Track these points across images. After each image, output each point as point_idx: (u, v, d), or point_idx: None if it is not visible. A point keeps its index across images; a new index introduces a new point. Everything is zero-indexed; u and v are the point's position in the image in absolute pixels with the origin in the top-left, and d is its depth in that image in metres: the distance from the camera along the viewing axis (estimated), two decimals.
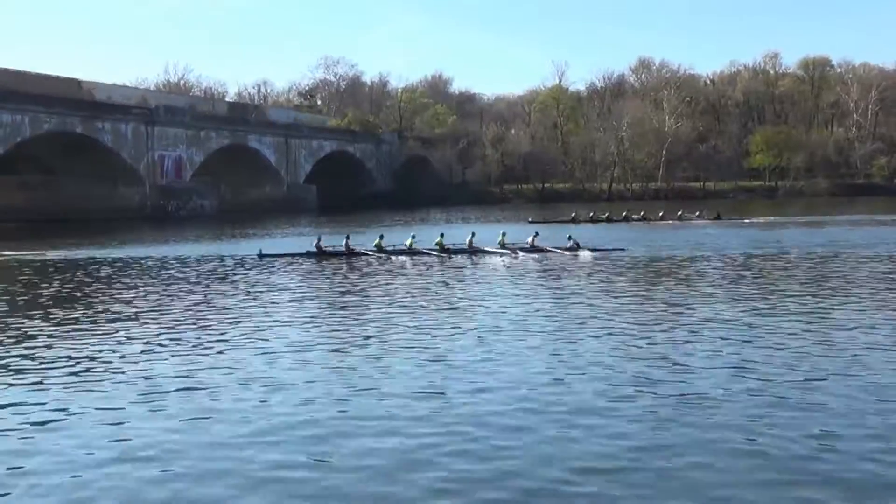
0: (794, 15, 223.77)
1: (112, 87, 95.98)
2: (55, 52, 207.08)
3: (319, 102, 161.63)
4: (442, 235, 37.28)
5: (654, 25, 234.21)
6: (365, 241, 38.11)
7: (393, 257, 34.55)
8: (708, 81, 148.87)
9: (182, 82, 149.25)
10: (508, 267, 31.07)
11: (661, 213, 63.03)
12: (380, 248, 35.44)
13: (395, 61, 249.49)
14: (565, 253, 34.67)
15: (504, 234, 37.28)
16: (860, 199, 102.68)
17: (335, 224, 66.37)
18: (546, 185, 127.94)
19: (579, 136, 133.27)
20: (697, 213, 62.54)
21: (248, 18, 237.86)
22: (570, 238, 35.98)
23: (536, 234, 37.57)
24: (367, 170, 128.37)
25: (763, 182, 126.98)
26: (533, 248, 35.48)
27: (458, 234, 41.91)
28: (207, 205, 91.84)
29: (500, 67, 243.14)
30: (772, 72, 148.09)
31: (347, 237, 36.86)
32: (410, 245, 35.77)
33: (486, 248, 36.11)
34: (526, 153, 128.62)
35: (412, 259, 33.80)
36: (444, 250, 35.51)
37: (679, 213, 62.26)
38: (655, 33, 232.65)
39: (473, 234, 37.20)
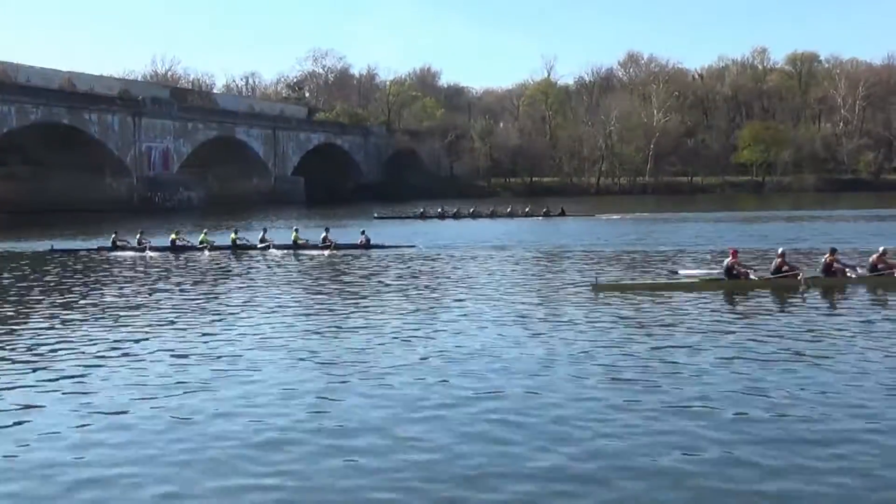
0: (783, 10, 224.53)
1: (31, 70, 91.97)
2: (44, 43, 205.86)
3: (307, 95, 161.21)
4: (265, 230, 38.13)
5: (643, 19, 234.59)
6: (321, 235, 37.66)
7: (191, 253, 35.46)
8: (696, 76, 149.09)
9: (170, 74, 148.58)
10: (277, 264, 31.23)
11: (508, 209, 65.94)
12: (174, 244, 35.95)
13: (384, 54, 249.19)
14: (322, 252, 34.79)
15: (297, 231, 37.77)
16: (846, 194, 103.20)
17: (321, 217, 66.21)
18: (534, 178, 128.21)
19: (567, 130, 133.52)
20: (535, 209, 65.83)
21: (238, 9, 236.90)
22: (363, 233, 36.89)
23: (327, 229, 37.78)
24: (356, 162, 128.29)
25: (750, 177, 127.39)
26: (324, 245, 35.68)
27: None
28: (195, 196, 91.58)
29: (489, 60, 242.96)
30: (760, 67, 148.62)
31: (140, 232, 37.24)
32: (202, 241, 36.48)
33: (276, 244, 36.42)
34: (514, 147, 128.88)
35: (209, 255, 34.45)
36: (236, 247, 36.20)
37: (527, 209, 65.44)
38: (644, 27, 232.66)
39: (265, 230, 38.01)
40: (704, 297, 20.12)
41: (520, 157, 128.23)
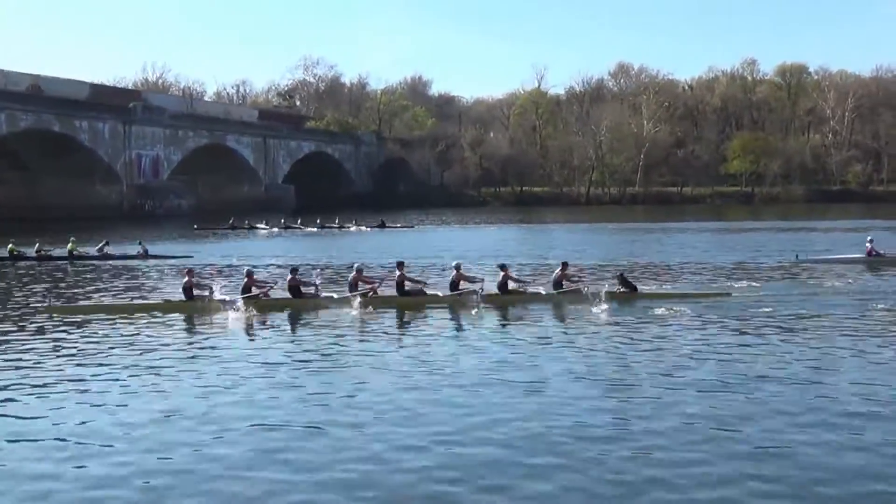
0: (773, 21, 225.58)
1: None
2: (44, 50, 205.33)
3: (298, 103, 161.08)
4: (39, 242, 37.59)
5: (634, 30, 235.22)
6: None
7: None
8: (686, 87, 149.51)
9: (161, 81, 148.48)
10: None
11: (318, 220, 65.50)
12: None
13: (375, 63, 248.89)
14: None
15: (73, 241, 37.27)
16: (835, 205, 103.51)
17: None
18: (524, 188, 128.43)
19: (558, 140, 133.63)
20: (355, 221, 65.88)
21: (229, 18, 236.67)
22: (140, 243, 37.49)
23: (107, 242, 37.65)
24: (346, 171, 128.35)
25: (740, 188, 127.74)
26: (102, 255, 36.15)
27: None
28: (185, 204, 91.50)
29: (480, 70, 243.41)
30: (749, 78, 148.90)
31: None
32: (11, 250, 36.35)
33: (52, 254, 36.51)
34: (504, 156, 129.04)
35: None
36: (43, 257, 36.14)
37: (344, 223, 65.41)
38: (635, 38, 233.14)
39: (72, 241, 37.55)
40: (169, 320, 19.84)
41: (510, 167, 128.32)
